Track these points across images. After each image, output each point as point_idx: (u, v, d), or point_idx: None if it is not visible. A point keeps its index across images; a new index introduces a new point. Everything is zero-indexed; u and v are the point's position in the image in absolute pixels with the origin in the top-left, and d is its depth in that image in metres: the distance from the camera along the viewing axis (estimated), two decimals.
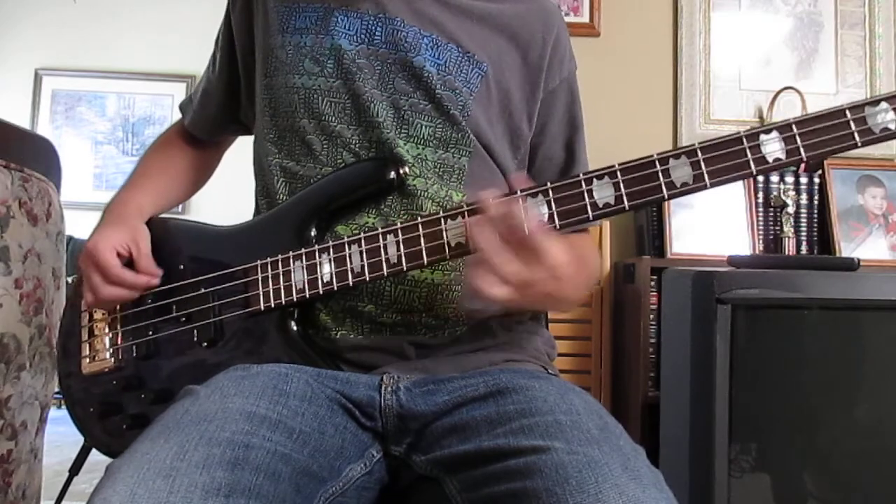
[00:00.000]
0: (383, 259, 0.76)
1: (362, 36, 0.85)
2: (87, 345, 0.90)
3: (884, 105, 0.66)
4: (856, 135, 0.66)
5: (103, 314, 0.91)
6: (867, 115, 0.66)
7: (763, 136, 0.68)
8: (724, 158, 0.68)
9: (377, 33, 0.84)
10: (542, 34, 0.90)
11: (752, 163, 0.68)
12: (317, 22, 0.86)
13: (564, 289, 0.69)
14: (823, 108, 0.68)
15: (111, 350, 0.88)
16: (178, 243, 0.91)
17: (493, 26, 0.88)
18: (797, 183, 1.97)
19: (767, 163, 0.68)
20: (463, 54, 0.85)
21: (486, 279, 0.65)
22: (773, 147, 0.68)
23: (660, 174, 0.69)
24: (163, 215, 0.96)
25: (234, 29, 0.95)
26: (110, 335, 0.89)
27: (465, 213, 0.73)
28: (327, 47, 0.85)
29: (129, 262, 0.88)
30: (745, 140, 0.68)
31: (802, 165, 2.00)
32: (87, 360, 0.90)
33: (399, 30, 0.84)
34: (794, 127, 0.67)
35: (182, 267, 0.87)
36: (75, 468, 0.90)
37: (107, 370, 0.88)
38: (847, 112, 0.66)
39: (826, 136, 0.67)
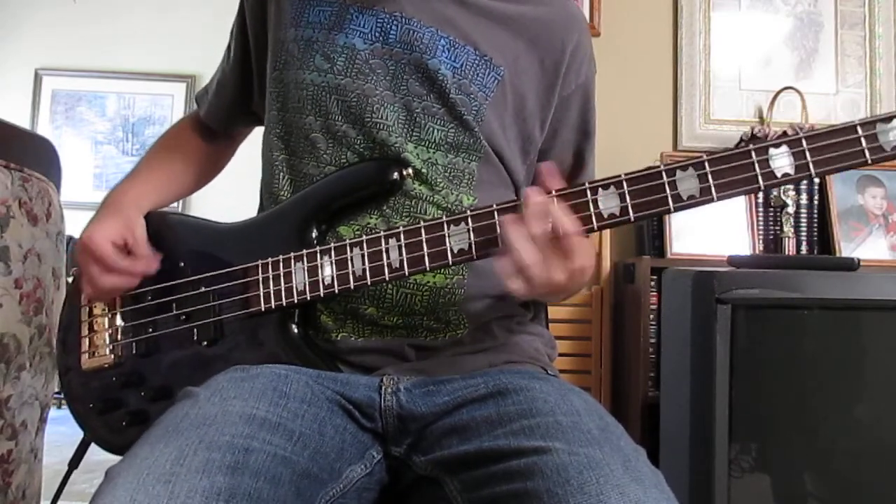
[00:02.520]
0: (385, 263, 0.75)
1: (377, 34, 0.83)
2: (87, 340, 0.90)
3: None
4: (866, 152, 0.64)
5: (102, 310, 0.90)
6: (878, 133, 0.64)
7: (773, 151, 0.66)
8: (732, 172, 0.67)
9: (392, 32, 0.83)
10: (562, 39, 0.88)
11: (760, 177, 0.66)
12: (330, 17, 0.84)
13: (572, 287, 0.72)
14: (834, 124, 0.66)
15: (111, 346, 0.88)
16: (178, 239, 0.90)
17: (513, 29, 0.86)
18: (797, 183, 1.97)
19: (776, 177, 0.66)
20: (480, 57, 0.83)
21: (510, 273, 0.68)
22: (782, 161, 0.66)
23: (666, 186, 0.68)
24: (163, 210, 0.95)
25: (248, 19, 0.93)
26: (110, 331, 0.89)
27: (469, 218, 0.73)
28: (340, 44, 0.83)
29: (127, 253, 0.87)
30: (754, 154, 0.66)
31: None
32: (87, 355, 0.89)
33: (415, 30, 0.82)
34: (804, 142, 0.65)
35: (182, 264, 0.87)
36: (74, 461, 0.90)
37: (106, 366, 0.88)
38: (858, 128, 0.64)
39: (836, 153, 0.65)
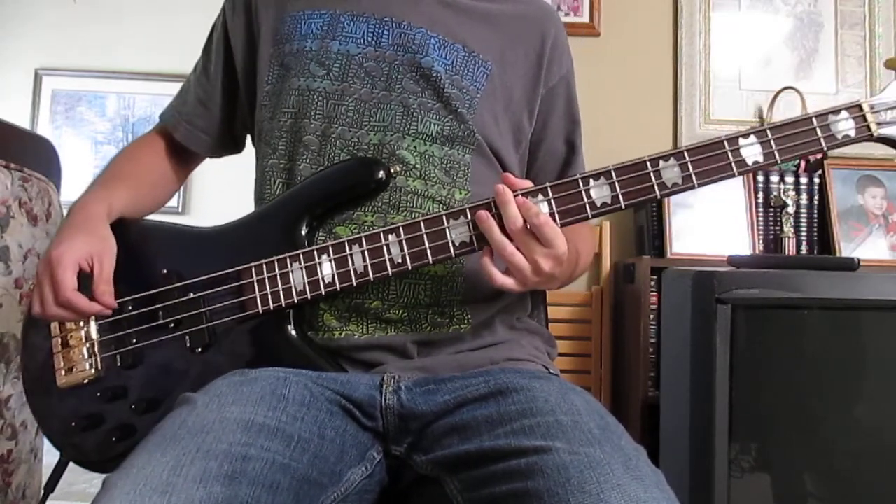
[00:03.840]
0: (387, 259, 0.76)
1: (369, 39, 0.85)
2: (61, 356, 0.85)
3: (844, 114, 0.74)
4: (822, 140, 0.73)
5: (78, 323, 0.85)
6: (830, 123, 0.74)
7: (742, 141, 0.74)
8: (709, 161, 0.74)
9: (384, 36, 0.85)
10: (541, 33, 0.92)
11: (733, 165, 0.73)
12: (323, 27, 0.86)
13: (564, 271, 0.76)
14: (793, 116, 0.75)
15: (90, 360, 0.84)
16: (159, 246, 0.87)
17: (496, 26, 0.90)
18: (797, 183, 1.97)
19: (747, 165, 0.74)
20: (469, 54, 0.87)
21: (493, 269, 0.72)
22: (751, 151, 0.74)
23: (651, 175, 0.74)
24: (163, 219, 0.92)
25: (233, 39, 0.94)
26: (88, 345, 0.84)
27: (468, 210, 0.75)
28: (334, 51, 0.85)
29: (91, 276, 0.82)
30: (726, 144, 0.73)
31: (802, 165, 2.00)
32: (63, 371, 0.84)
33: (406, 32, 0.85)
34: (769, 133, 0.73)
35: (166, 271, 0.84)
36: (51, 485, 0.87)
37: (86, 381, 0.84)
38: (813, 120, 0.73)
39: (797, 142, 0.74)
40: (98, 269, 0.81)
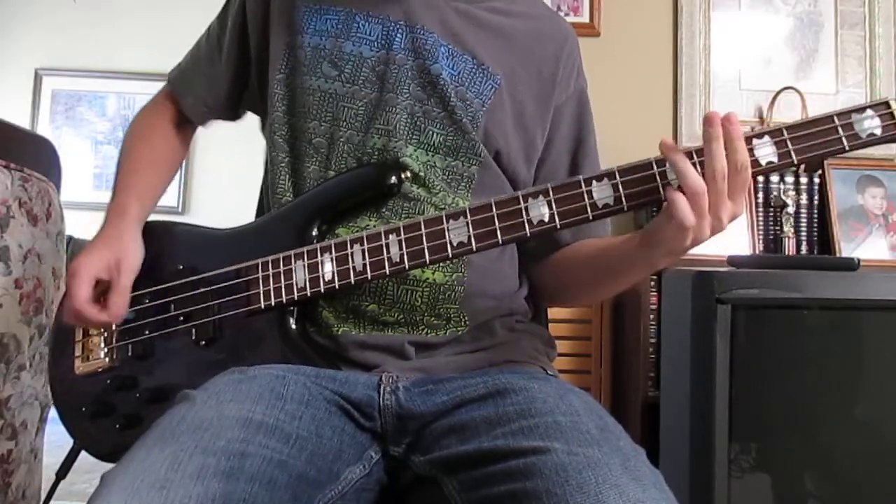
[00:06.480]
0: (385, 258, 0.76)
1: (382, 42, 0.85)
2: (81, 345, 0.89)
3: (869, 112, 0.69)
4: (843, 139, 0.69)
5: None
6: (854, 122, 0.69)
7: (756, 141, 0.70)
8: None
9: (397, 39, 0.85)
10: (554, 51, 0.91)
11: None
12: (338, 25, 0.86)
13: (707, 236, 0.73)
14: (813, 115, 0.70)
15: (106, 349, 0.88)
16: (177, 245, 0.91)
17: (509, 41, 0.89)
18: (797, 183, 1.97)
19: (760, 165, 0.70)
20: (477, 66, 0.86)
21: (686, 211, 0.68)
22: (765, 151, 0.70)
23: (657, 176, 0.71)
24: (163, 219, 0.96)
25: (249, 18, 0.93)
26: (105, 334, 0.88)
27: (468, 211, 0.74)
28: (346, 52, 0.85)
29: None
30: None
31: (802, 165, 2.00)
32: (81, 359, 0.89)
33: (418, 37, 0.85)
34: (784, 132, 0.69)
35: (181, 267, 0.87)
36: (62, 471, 0.89)
37: (100, 370, 0.87)
38: (835, 118, 0.69)
39: (816, 141, 0.69)
40: (115, 281, 0.85)
